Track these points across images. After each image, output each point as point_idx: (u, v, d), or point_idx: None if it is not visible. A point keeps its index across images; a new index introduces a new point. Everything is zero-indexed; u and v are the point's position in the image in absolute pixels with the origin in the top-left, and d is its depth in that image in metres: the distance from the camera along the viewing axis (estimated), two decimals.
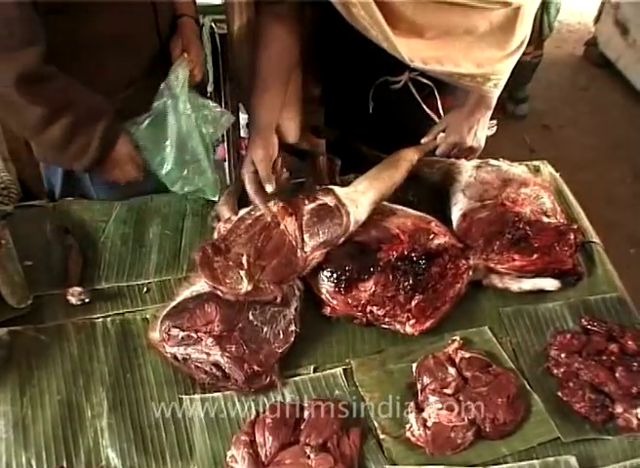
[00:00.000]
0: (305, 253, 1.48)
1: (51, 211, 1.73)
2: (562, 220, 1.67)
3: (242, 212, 1.58)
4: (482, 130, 1.72)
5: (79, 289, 1.53)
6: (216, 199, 1.71)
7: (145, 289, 1.58)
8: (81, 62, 1.58)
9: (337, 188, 1.57)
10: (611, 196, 3.59)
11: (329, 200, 1.53)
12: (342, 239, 1.50)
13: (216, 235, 1.54)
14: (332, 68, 1.86)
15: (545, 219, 1.64)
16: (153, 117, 1.69)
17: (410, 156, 1.71)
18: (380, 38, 1.45)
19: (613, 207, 3.47)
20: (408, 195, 1.75)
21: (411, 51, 1.48)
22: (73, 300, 1.52)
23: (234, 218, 1.55)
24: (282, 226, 1.49)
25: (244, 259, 1.45)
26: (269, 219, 1.50)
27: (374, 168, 1.69)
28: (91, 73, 1.60)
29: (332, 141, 1.90)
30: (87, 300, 1.53)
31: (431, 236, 1.53)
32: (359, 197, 1.56)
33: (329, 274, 1.48)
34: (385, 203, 1.65)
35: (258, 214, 1.53)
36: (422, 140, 1.75)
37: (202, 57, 1.80)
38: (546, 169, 1.89)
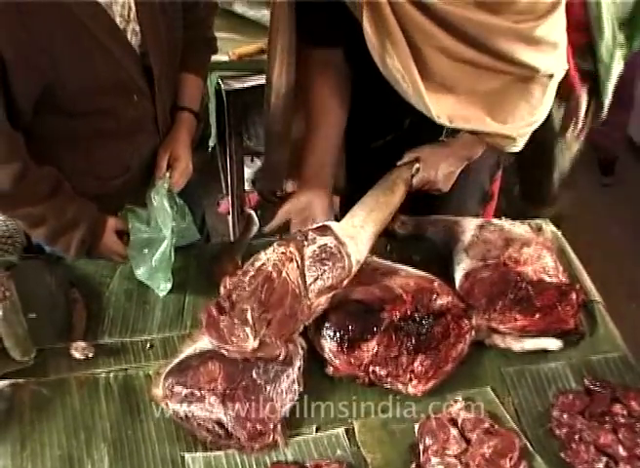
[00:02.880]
0: (310, 299, 1.47)
1: (55, 263, 1.74)
2: (564, 280, 1.67)
3: (246, 264, 1.56)
4: (454, 176, 1.74)
5: (83, 343, 1.53)
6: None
7: (149, 345, 1.58)
8: (77, 154, 1.63)
9: (334, 225, 1.55)
10: (611, 250, 3.59)
11: (329, 241, 1.51)
12: (346, 282, 1.49)
13: (222, 290, 1.52)
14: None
15: (547, 279, 1.64)
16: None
17: (404, 174, 1.71)
18: (411, 91, 1.48)
19: (613, 261, 3.47)
20: (411, 254, 1.77)
21: (439, 107, 1.51)
22: (77, 355, 1.52)
23: (239, 272, 1.54)
24: (284, 274, 1.47)
25: (249, 315, 1.43)
26: (271, 269, 1.48)
27: (369, 192, 1.68)
28: (86, 162, 1.66)
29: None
30: (90, 355, 1.52)
31: (434, 296, 1.53)
32: (358, 233, 1.54)
33: (332, 334, 1.48)
34: (389, 262, 1.66)
35: (259, 263, 1.50)
36: (399, 163, 1.76)
37: (189, 168, 1.80)
38: (548, 227, 1.90)
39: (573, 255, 1.84)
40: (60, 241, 1.63)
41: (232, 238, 2.40)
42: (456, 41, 1.45)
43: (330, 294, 1.48)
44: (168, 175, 1.73)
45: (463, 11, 1.42)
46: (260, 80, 2.37)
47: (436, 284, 1.58)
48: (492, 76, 1.52)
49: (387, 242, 1.83)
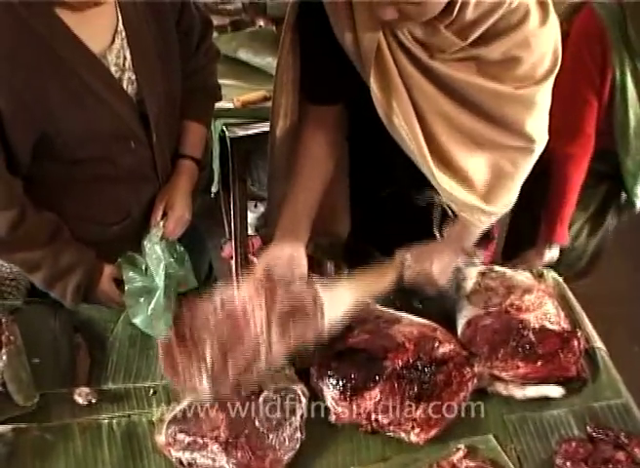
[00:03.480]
0: (271, 343, 1.43)
1: (59, 308, 1.73)
2: (566, 326, 1.67)
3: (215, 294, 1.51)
4: (449, 269, 1.69)
5: (86, 389, 1.53)
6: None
7: (152, 391, 1.57)
8: (75, 199, 1.64)
9: (317, 281, 1.55)
10: (613, 292, 3.58)
11: (307, 293, 1.50)
12: (312, 338, 1.47)
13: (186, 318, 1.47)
14: (353, 173, 1.89)
15: (549, 326, 1.64)
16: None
17: (401, 258, 1.69)
18: (416, 151, 1.50)
19: (615, 303, 3.47)
20: (413, 301, 1.78)
21: (440, 173, 1.54)
22: (80, 400, 1.52)
23: (205, 300, 1.49)
24: (249, 314, 1.44)
25: (207, 351, 1.40)
26: (239, 306, 1.45)
27: (361, 271, 1.67)
28: (85, 208, 1.66)
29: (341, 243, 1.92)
30: (93, 401, 1.52)
31: (437, 344, 1.53)
32: (339, 297, 1.54)
33: (334, 382, 1.48)
34: (391, 310, 1.67)
35: (228, 297, 1.48)
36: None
37: (185, 217, 1.80)
38: (550, 274, 1.91)
39: (574, 301, 1.85)
40: (56, 286, 1.63)
41: (235, 283, 2.39)
42: (457, 107, 1.48)
43: (292, 345, 1.45)
44: (162, 223, 1.74)
45: (467, 76, 1.44)
46: (264, 127, 2.38)
47: (438, 331, 1.59)
48: (488, 151, 1.55)
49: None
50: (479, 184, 1.58)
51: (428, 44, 1.41)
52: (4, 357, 1.49)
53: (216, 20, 3.23)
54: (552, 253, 1.99)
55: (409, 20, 1.36)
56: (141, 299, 1.69)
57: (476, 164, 1.55)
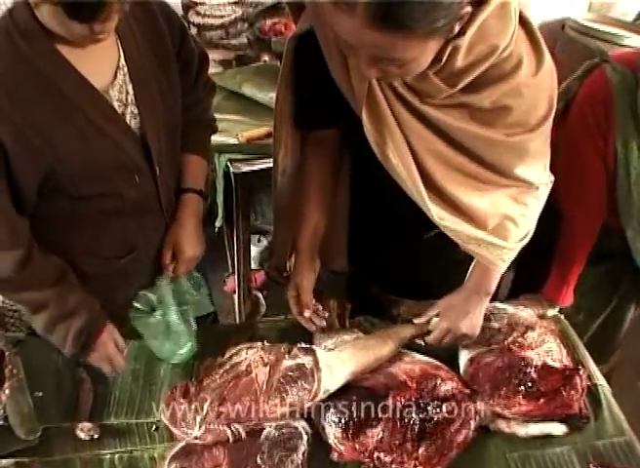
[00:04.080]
0: (268, 405, 1.48)
1: None
2: (568, 363, 1.68)
3: (227, 354, 1.60)
4: (478, 316, 1.69)
5: (89, 424, 1.54)
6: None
7: (154, 427, 1.57)
8: (81, 234, 1.65)
9: (319, 351, 1.58)
10: None
11: (307, 361, 1.54)
12: (309, 404, 1.50)
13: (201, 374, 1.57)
14: (354, 209, 1.90)
15: (551, 363, 1.65)
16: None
17: (404, 333, 1.69)
18: (414, 191, 1.51)
19: None
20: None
21: (438, 209, 1.54)
22: (82, 435, 1.52)
23: (217, 361, 1.59)
24: (253, 375, 1.50)
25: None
26: (244, 368, 1.51)
27: (365, 336, 1.70)
28: (91, 242, 1.67)
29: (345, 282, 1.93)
30: (96, 436, 1.53)
31: (439, 382, 1.54)
32: (338, 366, 1.55)
33: (337, 420, 1.48)
34: None
35: (236, 360, 1.55)
36: (416, 321, 1.72)
37: (195, 255, 1.81)
38: (552, 311, 1.91)
39: (576, 338, 1.85)
40: (58, 328, 1.60)
41: (238, 317, 2.40)
42: (451, 149, 1.47)
43: (287, 410, 1.49)
44: (171, 268, 1.77)
45: (457, 121, 1.43)
46: (268, 163, 2.38)
47: (441, 369, 1.59)
48: (489, 187, 1.55)
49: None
50: (482, 219, 1.57)
51: (418, 89, 1.41)
52: (7, 390, 1.49)
53: (221, 55, 3.29)
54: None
55: (393, 79, 1.37)
56: (161, 336, 1.71)
57: (476, 200, 1.54)
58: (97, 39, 1.39)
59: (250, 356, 1.54)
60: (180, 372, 1.70)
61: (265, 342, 1.62)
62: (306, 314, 1.70)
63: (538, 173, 1.57)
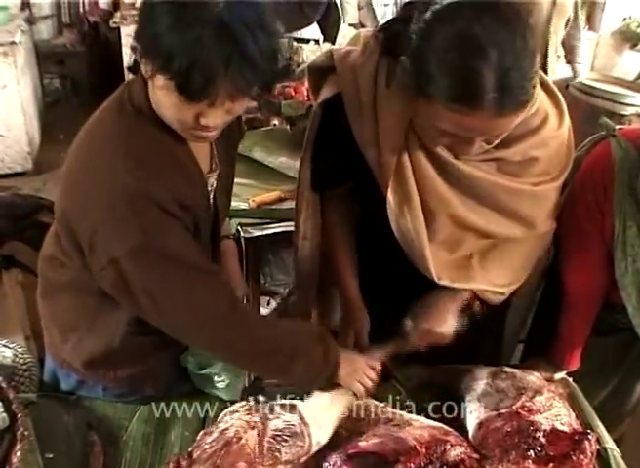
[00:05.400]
0: (264, 467, 1.48)
1: (74, 404, 1.75)
2: (577, 426, 1.67)
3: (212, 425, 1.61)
4: (453, 315, 1.75)
5: None
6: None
7: None
8: None
9: (300, 404, 1.60)
10: None
11: (293, 419, 1.56)
12: (304, 459, 1.51)
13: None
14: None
15: (560, 427, 1.64)
16: None
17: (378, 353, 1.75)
18: (417, 253, 1.56)
19: None
20: (423, 402, 1.78)
21: (440, 269, 1.60)
22: None
23: (203, 432, 1.59)
24: (243, 440, 1.51)
25: None
26: (232, 434, 1.52)
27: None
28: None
29: None
30: None
31: (448, 447, 1.53)
32: (324, 415, 1.58)
33: None
34: (403, 413, 1.67)
35: (223, 427, 1.55)
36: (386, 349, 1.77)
37: (243, 292, 1.95)
38: (560, 375, 1.92)
39: (584, 401, 1.85)
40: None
41: (247, 378, 2.40)
42: (466, 205, 1.54)
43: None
44: None
45: (487, 175, 1.52)
46: (279, 228, 2.46)
47: (450, 434, 1.59)
48: (494, 242, 1.61)
49: (400, 390, 1.86)
50: (483, 272, 1.67)
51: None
52: (18, 453, 1.49)
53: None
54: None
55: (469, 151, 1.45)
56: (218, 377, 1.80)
57: (477, 254, 1.65)
58: (201, 135, 1.46)
59: (235, 421, 1.55)
60: (191, 436, 1.68)
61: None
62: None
63: (547, 219, 1.66)
